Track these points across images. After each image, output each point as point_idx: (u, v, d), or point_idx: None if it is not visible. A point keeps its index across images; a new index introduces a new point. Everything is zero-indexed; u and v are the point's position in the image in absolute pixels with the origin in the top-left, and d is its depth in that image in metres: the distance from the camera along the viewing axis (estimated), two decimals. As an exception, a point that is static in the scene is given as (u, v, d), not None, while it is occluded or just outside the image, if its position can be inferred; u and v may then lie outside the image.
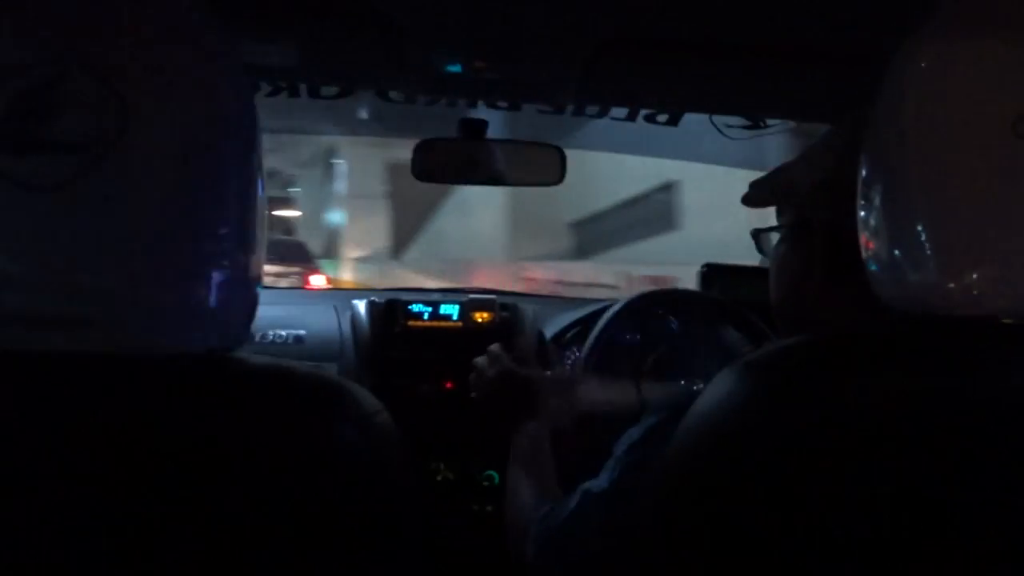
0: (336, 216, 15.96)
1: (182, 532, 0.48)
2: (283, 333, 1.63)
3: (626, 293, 1.58)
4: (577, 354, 1.57)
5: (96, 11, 0.50)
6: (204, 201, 0.53)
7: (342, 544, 0.52)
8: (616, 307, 1.50)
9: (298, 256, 10.98)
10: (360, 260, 13.61)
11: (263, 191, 0.59)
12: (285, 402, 0.54)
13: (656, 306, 1.68)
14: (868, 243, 0.60)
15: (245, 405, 0.53)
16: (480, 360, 1.27)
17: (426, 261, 13.12)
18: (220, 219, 0.54)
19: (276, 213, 22.16)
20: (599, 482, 0.81)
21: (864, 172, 0.60)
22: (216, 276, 0.53)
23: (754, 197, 0.86)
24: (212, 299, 0.53)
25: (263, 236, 0.59)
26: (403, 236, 15.15)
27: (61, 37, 0.48)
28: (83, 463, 0.48)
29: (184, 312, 0.52)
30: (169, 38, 0.52)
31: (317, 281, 9.88)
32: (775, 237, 0.83)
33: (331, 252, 15.08)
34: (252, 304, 0.59)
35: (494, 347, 1.29)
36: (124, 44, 0.49)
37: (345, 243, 14.74)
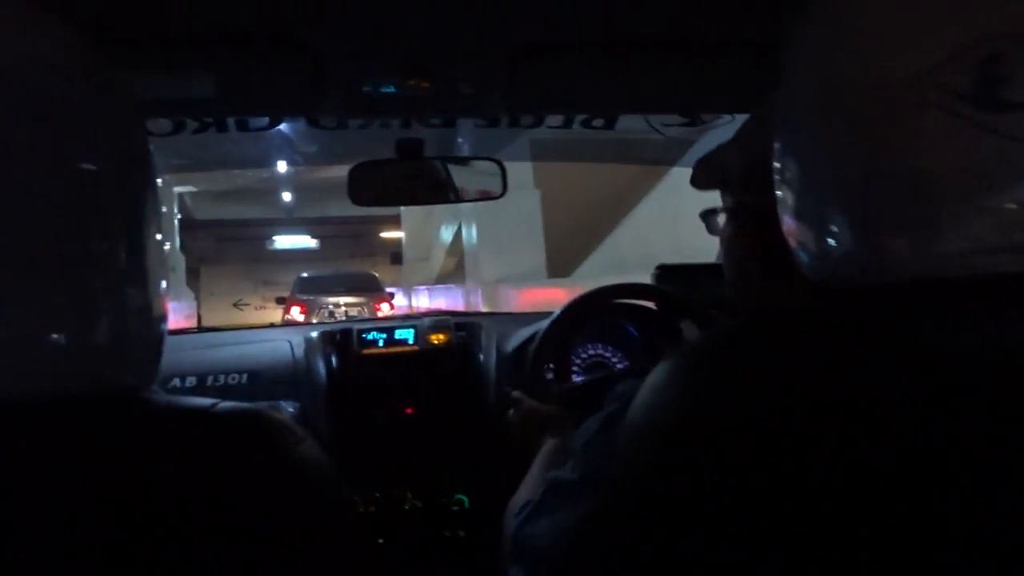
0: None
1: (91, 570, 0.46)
2: (235, 374, 1.60)
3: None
4: (551, 367, 1.55)
5: None
6: (84, 238, 0.51)
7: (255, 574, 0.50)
8: (556, 313, 1.49)
9: (369, 287, 11.88)
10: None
11: (159, 228, 0.57)
12: (193, 439, 0.52)
13: (612, 313, 1.67)
14: (789, 222, 0.60)
15: (150, 445, 0.51)
16: (511, 413, 1.35)
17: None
18: (104, 256, 0.52)
19: (383, 235, 23.00)
20: (563, 474, 0.81)
21: (776, 151, 0.60)
22: (104, 314, 0.51)
23: (697, 179, 0.86)
24: (103, 338, 0.51)
25: (161, 273, 0.57)
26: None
27: None
28: None
29: (73, 353, 0.50)
30: (45, 71, 0.50)
31: (384, 308, 10.91)
32: (720, 219, 0.83)
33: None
34: (155, 342, 0.57)
35: (516, 393, 1.36)
36: None
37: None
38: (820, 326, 0.55)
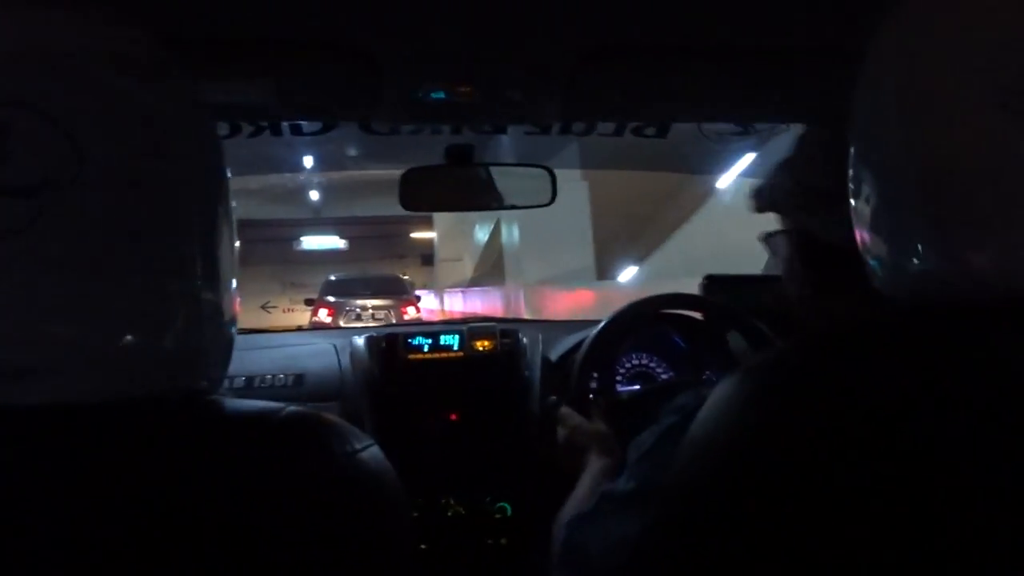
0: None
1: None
2: (282, 376, 1.61)
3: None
4: (595, 376, 1.54)
5: (43, 50, 0.48)
6: (164, 240, 0.51)
7: None
8: (603, 322, 1.47)
9: (396, 290, 11.86)
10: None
11: (232, 231, 0.57)
12: (260, 443, 0.52)
13: (657, 324, 1.66)
14: (863, 237, 0.59)
15: (220, 448, 0.51)
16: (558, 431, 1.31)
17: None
18: (182, 261, 0.52)
19: (413, 235, 23.04)
20: (617, 485, 0.82)
21: (852, 166, 0.59)
22: (182, 318, 0.52)
23: (754, 205, 0.89)
24: (180, 341, 0.51)
25: (233, 276, 0.57)
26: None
27: (8, 78, 0.47)
28: (53, 515, 0.46)
29: (148, 356, 0.50)
30: (121, 77, 0.50)
31: (411, 312, 10.88)
32: (777, 241, 0.86)
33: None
34: (226, 346, 0.57)
35: (564, 409, 1.32)
36: (74, 83, 0.48)
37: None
38: (892, 343, 0.53)
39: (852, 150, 0.59)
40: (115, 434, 0.49)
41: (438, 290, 18.53)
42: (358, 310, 10.65)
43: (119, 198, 0.48)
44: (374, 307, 10.74)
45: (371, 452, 0.57)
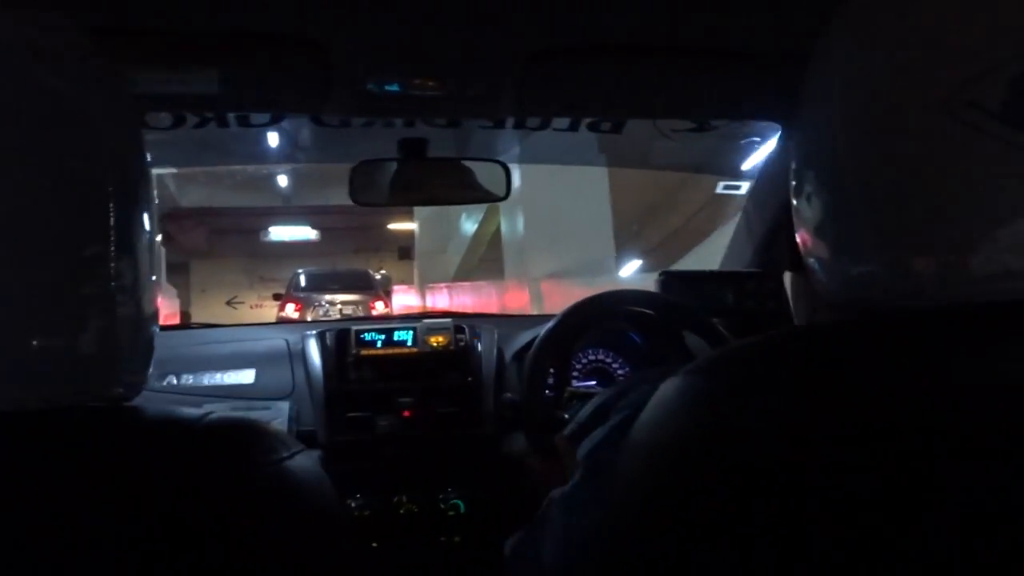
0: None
1: None
2: (232, 372, 1.58)
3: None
4: (552, 372, 1.53)
5: None
6: (83, 238, 0.49)
7: None
8: (558, 317, 1.46)
9: (364, 285, 11.96)
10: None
11: (154, 223, 0.55)
12: (180, 454, 0.50)
13: (615, 319, 1.66)
14: (805, 238, 0.58)
15: (138, 460, 0.49)
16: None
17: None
18: (96, 259, 0.50)
19: (391, 227, 22.04)
20: (567, 488, 0.80)
21: (795, 166, 0.59)
22: (96, 320, 0.49)
23: None
24: (94, 345, 0.49)
25: (153, 273, 0.55)
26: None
27: None
28: None
29: (62, 361, 0.48)
30: (38, 66, 0.48)
31: (379, 307, 10.91)
32: None
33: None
34: (145, 348, 0.55)
35: (559, 438, 1.30)
36: None
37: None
38: (840, 348, 0.52)
39: (797, 149, 0.59)
40: (29, 444, 0.47)
41: (419, 287, 17.54)
42: (326, 305, 10.68)
43: (29, 192, 0.46)
44: (343, 302, 10.80)
45: (298, 460, 0.55)
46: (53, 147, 0.48)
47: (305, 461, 0.56)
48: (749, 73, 1.17)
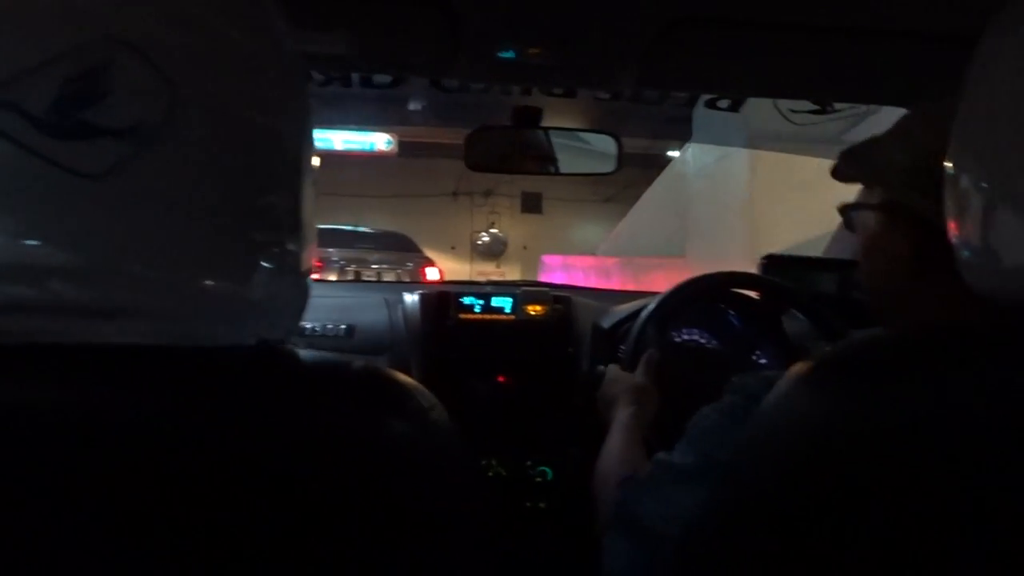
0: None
1: (231, 526, 0.45)
2: (332, 326, 1.63)
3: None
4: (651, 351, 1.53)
5: None
6: (254, 188, 0.51)
7: (395, 541, 0.49)
8: (658, 298, 1.45)
9: (400, 246, 9.75)
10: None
11: (313, 179, 0.57)
12: (337, 397, 0.52)
13: (714, 300, 1.64)
14: (957, 228, 0.56)
15: (296, 399, 0.51)
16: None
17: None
18: (271, 207, 0.52)
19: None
20: (674, 457, 0.82)
21: (953, 152, 0.57)
22: (267, 266, 0.51)
23: (843, 171, 0.83)
24: (262, 290, 0.51)
25: (313, 226, 0.57)
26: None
27: (109, 19, 0.46)
28: (128, 455, 0.46)
29: (233, 302, 0.50)
30: (218, 18, 0.50)
31: (432, 274, 8.88)
32: (867, 215, 0.80)
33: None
34: (303, 295, 0.57)
35: (610, 367, 1.34)
36: (172, 25, 0.47)
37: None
38: (987, 350, 0.50)
39: (954, 136, 0.57)
40: (196, 378, 0.49)
41: (552, 263, 11.34)
42: (343, 263, 8.69)
43: (211, 144, 0.48)
44: (377, 263, 8.76)
45: (440, 412, 0.56)
46: (235, 103, 0.49)
47: (444, 412, 0.57)
48: (882, 55, 1.13)
